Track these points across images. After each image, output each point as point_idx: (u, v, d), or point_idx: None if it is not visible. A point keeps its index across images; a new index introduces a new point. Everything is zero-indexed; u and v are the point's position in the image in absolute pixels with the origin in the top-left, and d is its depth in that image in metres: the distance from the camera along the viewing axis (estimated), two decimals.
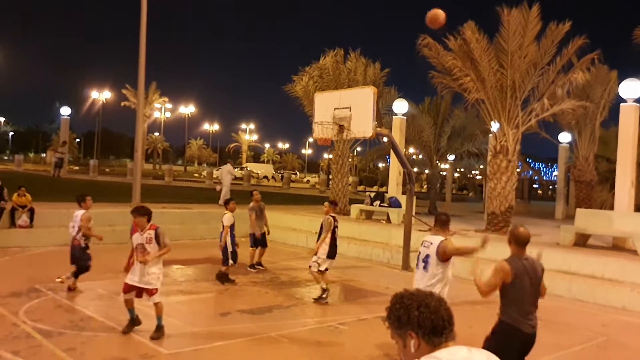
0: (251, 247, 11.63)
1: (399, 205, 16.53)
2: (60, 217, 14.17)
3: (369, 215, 17.86)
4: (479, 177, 59.17)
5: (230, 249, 9.96)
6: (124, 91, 57.15)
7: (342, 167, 19.87)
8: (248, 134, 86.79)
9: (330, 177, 24.49)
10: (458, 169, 52.08)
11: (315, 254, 8.91)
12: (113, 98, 57.45)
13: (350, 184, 25.16)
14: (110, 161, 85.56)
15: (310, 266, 8.91)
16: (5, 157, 49.25)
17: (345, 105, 11.31)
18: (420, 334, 1.93)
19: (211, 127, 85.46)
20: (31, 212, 13.34)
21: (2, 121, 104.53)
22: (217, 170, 28.56)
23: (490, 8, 14.27)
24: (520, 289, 4.31)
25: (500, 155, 14.52)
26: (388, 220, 16.64)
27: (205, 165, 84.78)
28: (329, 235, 8.85)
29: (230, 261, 9.95)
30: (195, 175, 55.54)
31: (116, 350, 6.16)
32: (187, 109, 70.58)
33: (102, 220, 14.81)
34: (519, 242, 4.45)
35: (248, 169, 51.53)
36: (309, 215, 17.16)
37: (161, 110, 64.45)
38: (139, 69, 17.29)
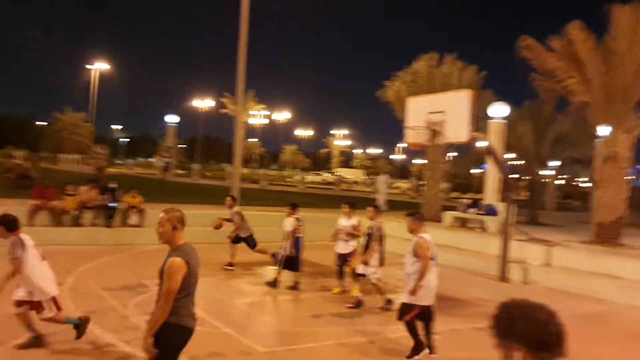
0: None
1: (495, 214, 15.90)
2: None
3: (463, 223, 17.34)
4: (585, 185, 55.34)
5: (282, 252, 9.84)
6: (222, 99, 60.04)
7: (434, 173, 19.48)
8: (340, 139, 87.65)
9: (422, 183, 24.10)
10: (562, 176, 49.04)
11: (365, 264, 8.61)
12: (214, 105, 60.66)
13: (443, 191, 24.58)
14: (211, 165, 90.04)
15: (369, 278, 8.66)
16: (119, 162, 53.58)
17: (439, 110, 11.12)
18: (526, 347, 1.83)
19: (304, 132, 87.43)
20: (141, 212, 14.40)
21: (118, 129, 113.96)
22: (370, 178, 29.77)
23: (594, 8, 13.41)
24: None
25: (610, 161, 13.52)
26: (483, 229, 16.07)
27: (298, 170, 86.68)
28: (379, 243, 8.54)
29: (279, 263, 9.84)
30: (289, 180, 57.02)
31: (215, 346, 6.48)
32: (282, 116, 72.85)
33: (202, 221, 15.70)
34: None
35: (339, 174, 52.03)
36: (399, 222, 16.98)
37: (258, 117, 66.87)
38: (238, 80, 18.11)
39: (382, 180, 21.76)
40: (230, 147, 22.54)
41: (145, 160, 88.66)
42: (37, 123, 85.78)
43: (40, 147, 68.23)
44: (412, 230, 6.50)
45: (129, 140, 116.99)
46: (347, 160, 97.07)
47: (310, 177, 53.62)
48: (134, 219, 14.20)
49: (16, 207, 13.21)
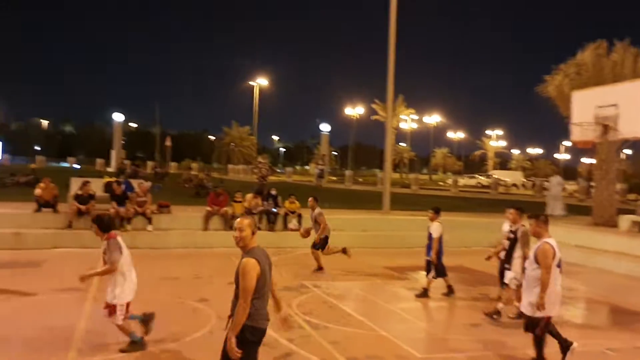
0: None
1: None
2: None
3: None
4: None
5: (433, 259, 9.43)
6: (373, 105, 60.88)
7: (607, 173, 17.57)
8: (495, 139, 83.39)
9: (592, 184, 21.88)
10: None
11: (508, 268, 7.94)
12: (364, 112, 61.84)
13: (617, 192, 22.05)
14: (362, 171, 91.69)
15: (507, 284, 7.99)
16: (278, 170, 57.27)
17: (610, 103, 10.08)
18: None
19: (455, 134, 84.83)
20: (299, 217, 15.23)
21: (277, 139, 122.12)
22: (547, 181, 28.50)
23: None
24: None
25: None
26: None
27: (449, 173, 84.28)
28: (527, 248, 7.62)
29: (432, 273, 9.41)
30: (440, 183, 55.73)
31: (373, 349, 6.61)
32: (432, 119, 71.56)
33: (355, 226, 16.11)
34: None
35: (495, 176, 49.48)
36: (567, 226, 15.66)
37: (408, 121, 66.57)
38: (388, 86, 18.30)
39: (555, 182, 19.97)
40: (381, 153, 22.75)
41: (301, 168, 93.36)
42: (209, 137, 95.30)
43: (212, 159, 75.66)
44: (536, 234, 5.96)
45: (286, 149, 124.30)
46: (503, 161, 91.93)
47: (464, 181, 51.77)
48: (294, 223, 15.07)
49: (194, 214, 14.86)
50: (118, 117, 41.80)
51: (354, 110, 61.37)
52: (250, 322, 3.90)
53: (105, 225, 5.97)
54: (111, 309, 5.87)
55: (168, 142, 50.00)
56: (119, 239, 5.99)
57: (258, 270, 3.93)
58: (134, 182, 16.12)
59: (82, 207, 13.15)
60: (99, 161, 43.41)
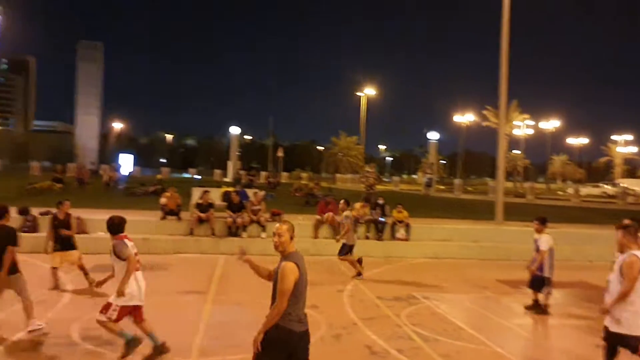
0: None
1: None
2: (431, 231, 15.62)
3: None
4: None
5: (546, 274, 8.84)
6: (484, 112, 58.66)
7: None
8: (623, 145, 76.36)
9: None
10: None
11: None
12: (475, 119, 59.79)
13: None
14: (472, 180, 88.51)
15: None
16: (385, 179, 57.13)
17: None
18: None
19: (577, 140, 78.89)
20: (407, 226, 15.09)
21: (383, 148, 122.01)
22: None
23: None
24: None
25: None
26: None
27: (569, 182, 78.50)
28: None
29: (548, 288, 8.82)
30: (559, 193, 52.07)
31: None
32: (549, 124, 67.24)
33: (465, 236, 15.62)
34: None
35: (623, 185, 45.30)
36: None
37: (522, 127, 63.22)
38: (500, 91, 17.58)
39: None
40: (492, 161, 21.82)
41: (408, 177, 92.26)
42: (318, 147, 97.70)
43: (321, 168, 77.40)
44: (623, 246, 5.34)
45: (393, 158, 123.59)
46: (632, 169, 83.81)
47: (586, 190, 47.86)
48: (401, 232, 14.96)
49: (304, 222, 15.30)
50: (234, 130, 44.32)
51: (464, 117, 59.55)
52: (283, 323, 4.02)
53: (114, 227, 5.89)
54: (106, 305, 5.74)
55: (280, 153, 52.06)
56: (127, 241, 5.88)
57: (297, 274, 4.05)
58: (249, 192, 16.99)
59: (203, 215, 14.10)
60: (217, 172, 46.17)
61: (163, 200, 14.86)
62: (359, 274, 11.31)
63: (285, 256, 4.16)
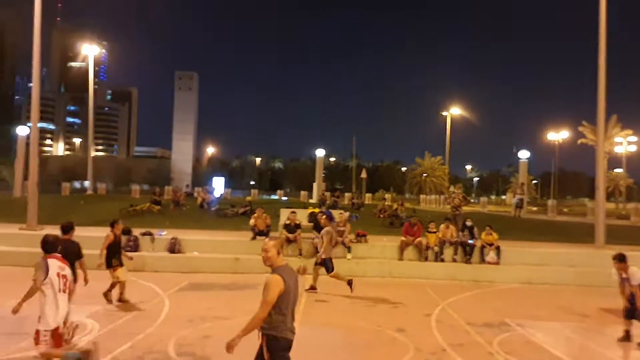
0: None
1: None
2: (523, 255, 14.88)
3: None
4: None
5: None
6: (580, 129, 55.37)
7: None
8: None
9: None
10: None
11: None
12: (569, 137, 56.59)
13: None
14: (568, 201, 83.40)
15: None
16: (472, 200, 55.34)
17: None
18: None
19: None
20: (498, 249, 14.50)
21: (470, 169, 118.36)
22: None
23: None
24: None
25: None
26: None
27: None
28: None
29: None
30: None
31: None
32: None
33: (562, 260, 14.73)
34: None
35: None
36: None
37: (623, 144, 58.91)
38: (598, 105, 16.60)
39: None
40: (590, 180, 20.50)
41: (497, 197, 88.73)
42: (401, 168, 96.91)
43: (404, 189, 76.55)
44: None
45: (479, 178, 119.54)
46: None
47: None
48: (491, 255, 14.39)
49: (389, 243, 15.19)
50: (319, 152, 45.11)
51: (558, 135, 56.55)
52: (274, 332, 4.31)
53: (46, 245, 5.72)
54: (35, 335, 5.44)
55: (363, 175, 52.17)
56: (52, 261, 5.58)
57: (281, 287, 4.31)
58: (335, 213, 17.16)
59: (290, 235, 14.42)
60: (303, 193, 47.06)
61: (252, 221, 15.38)
62: (313, 288, 11.35)
63: (274, 269, 4.42)
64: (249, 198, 36.37)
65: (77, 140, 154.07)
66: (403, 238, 14.76)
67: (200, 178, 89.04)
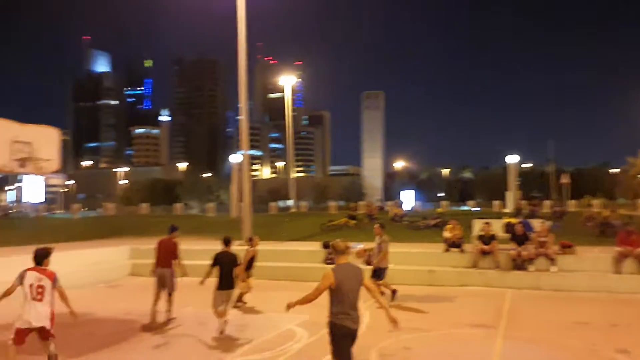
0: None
1: None
2: None
3: None
4: None
5: None
6: None
7: None
8: None
9: None
10: None
11: None
12: None
13: None
14: None
15: None
16: None
17: None
18: None
19: None
20: None
21: None
22: None
23: None
24: None
25: None
26: None
27: None
28: None
29: None
30: None
31: None
32: None
33: None
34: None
35: None
36: None
37: None
38: None
39: None
40: None
41: None
42: (610, 171, 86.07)
43: (616, 194, 67.68)
44: None
45: None
46: None
47: None
48: None
49: (602, 254, 13.64)
50: (512, 159, 42.60)
51: None
52: (335, 320, 5.07)
53: (36, 256, 6.29)
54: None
55: (565, 180, 47.60)
56: (31, 273, 6.15)
57: (331, 279, 5.04)
58: (534, 222, 16.03)
59: (486, 247, 13.89)
60: (496, 203, 44.84)
61: (446, 233, 15.18)
62: (394, 291, 11.47)
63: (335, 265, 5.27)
64: (439, 210, 35.92)
65: (279, 164, 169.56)
66: (619, 248, 13.12)
67: (391, 192, 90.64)
